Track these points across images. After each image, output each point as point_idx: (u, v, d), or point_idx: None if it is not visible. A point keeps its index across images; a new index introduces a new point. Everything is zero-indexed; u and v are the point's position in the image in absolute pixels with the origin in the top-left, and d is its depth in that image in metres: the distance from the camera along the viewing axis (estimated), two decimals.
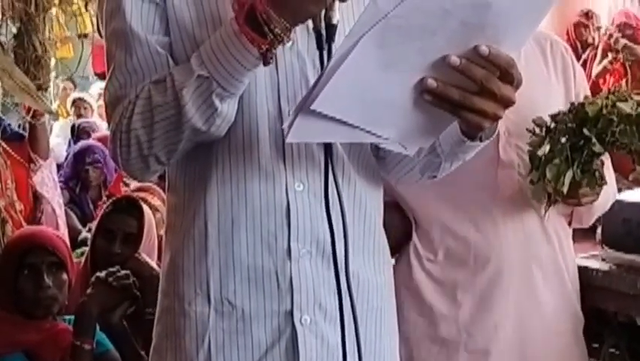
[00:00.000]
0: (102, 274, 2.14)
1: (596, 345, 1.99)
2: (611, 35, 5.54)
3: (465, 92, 1.11)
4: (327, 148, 1.23)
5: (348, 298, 1.24)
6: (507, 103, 1.14)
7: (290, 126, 1.12)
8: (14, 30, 3.07)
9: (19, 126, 3.31)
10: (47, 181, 3.25)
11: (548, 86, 1.77)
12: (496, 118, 1.15)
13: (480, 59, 1.09)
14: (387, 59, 1.05)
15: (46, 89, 3.15)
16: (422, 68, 1.08)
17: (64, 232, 3.29)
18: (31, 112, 3.10)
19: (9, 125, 3.23)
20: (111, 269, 2.15)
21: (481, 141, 1.27)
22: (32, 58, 3.09)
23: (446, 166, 1.36)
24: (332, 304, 1.28)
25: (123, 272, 2.14)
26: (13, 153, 3.04)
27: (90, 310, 2.07)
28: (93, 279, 2.14)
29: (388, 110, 1.12)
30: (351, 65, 1.04)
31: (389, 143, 1.20)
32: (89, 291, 2.11)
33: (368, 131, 1.15)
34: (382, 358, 1.38)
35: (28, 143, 3.24)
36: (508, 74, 1.12)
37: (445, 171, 1.37)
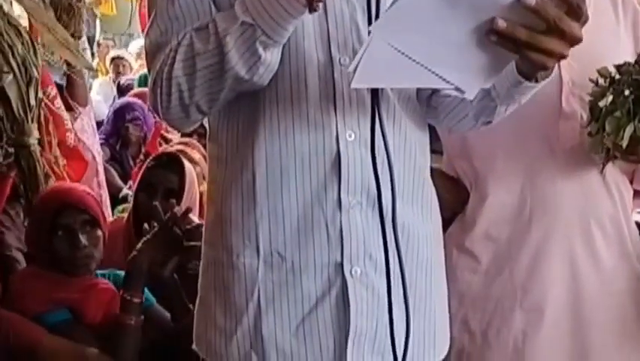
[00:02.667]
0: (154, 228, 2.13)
1: None
2: None
3: (532, 31, 1.07)
4: (374, 95, 1.20)
5: (395, 250, 1.22)
6: (575, 41, 1.10)
7: (355, 69, 1.08)
8: None
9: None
10: (87, 128, 3.22)
11: (617, 37, 1.69)
12: (562, 57, 1.11)
13: None
14: None
15: (79, 38, 3.10)
16: (488, 7, 1.04)
17: (102, 179, 3.28)
18: (63, 60, 3.05)
19: None
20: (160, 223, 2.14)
21: (537, 81, 1.22)
22: (65, 5, 3.04)
23: (501, 110, 1.31)
24: (382, 256, 1.25)
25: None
26: (55, 109, 3.01)
27: (141, 265, 2.07)
28: (145, 234, 2.13)
29: (450, 50, 1.09)
30: None
31: (451, 87, 1.16)
32: (139, 246, 2.11)
33: (433, 72, 1.11)
34: (432, 312, 1.36)
35: (66, 92, 3.20)
36: (579, 10, 1.08)
37: (500, 116, 1.33)
